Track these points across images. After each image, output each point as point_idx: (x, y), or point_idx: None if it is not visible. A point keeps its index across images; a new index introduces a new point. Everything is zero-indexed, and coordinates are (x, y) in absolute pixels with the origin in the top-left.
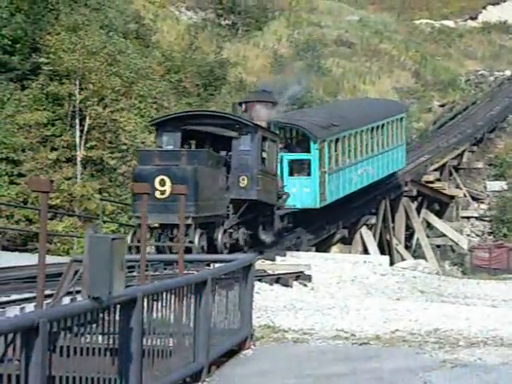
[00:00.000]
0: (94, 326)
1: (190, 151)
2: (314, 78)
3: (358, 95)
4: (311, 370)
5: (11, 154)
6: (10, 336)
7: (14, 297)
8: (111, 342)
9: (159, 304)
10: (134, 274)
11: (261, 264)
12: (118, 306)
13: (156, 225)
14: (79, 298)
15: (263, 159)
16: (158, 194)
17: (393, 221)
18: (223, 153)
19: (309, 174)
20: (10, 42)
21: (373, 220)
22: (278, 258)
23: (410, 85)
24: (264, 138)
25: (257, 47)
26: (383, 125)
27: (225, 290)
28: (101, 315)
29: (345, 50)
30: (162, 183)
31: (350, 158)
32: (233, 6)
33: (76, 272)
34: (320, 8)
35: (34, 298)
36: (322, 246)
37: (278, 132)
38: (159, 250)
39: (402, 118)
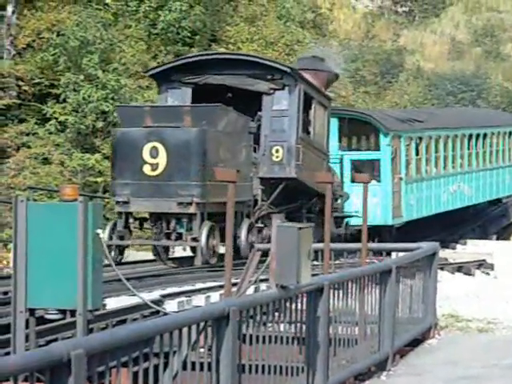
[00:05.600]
0: (281, 314)
1: (197, 107)
2: (493, 65)
3: None
4: (497, 359)
5: None
6: (202, 324)
7: (198, 285)
8: (298, 330)
9: (343, 293)
10: (315, 262)
11: (442, 252)
12: (305, 295)
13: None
14: (262, 286)
15: (307, 127)
16: (147, 170)
17: None
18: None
19: (378, 180)
20: (189, 34)
21: None
22: (459, 247)
23: None
24: (309, 97)
25: (434, 34)
26: (486, 134)
27: (408, 278)
28: (288, 304)
29: None
30: (154, 153)
31: (438, 167)
32: None
33: (260, 261)
34: None
35: (218, 286)
36: (504, 234)
37: (336, 122)
38: (157, 251)
39: None
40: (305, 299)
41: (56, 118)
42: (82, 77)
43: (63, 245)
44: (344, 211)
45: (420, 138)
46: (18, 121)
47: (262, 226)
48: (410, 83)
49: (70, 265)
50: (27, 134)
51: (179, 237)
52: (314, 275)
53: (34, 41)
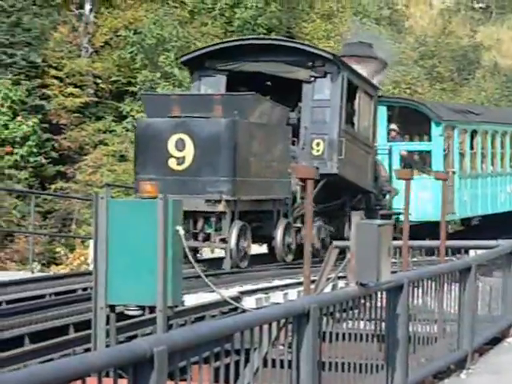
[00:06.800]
0: (360, 312)
1: (228, 96)
2: None
3: None
4: None
5: None
6: (282, 321)
7: (275, 282)
8: (377, 328)
9: (422, 290)
10: (392, 260)
11: None
12: (385, 293)
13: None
14: (340, 284)
15: (351, 118)
16: (173, 164)
17: None
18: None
19: (429, 173)
20: (265, 31)
21: None
22: None
23: None
24: (353, 86)
25: (511, 30)
26: None
27: (488, 276)
28: (367, 302)
29: None
30: (180, 146)
31: (495, 164)
32: None
33: (339, 258)
34: None
35: (295, 284)
36: None
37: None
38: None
39: None
40: (384, 296)
41: (133, 116)
42: (158, 74)
43: (143, 241)
44: (393, 208)
45: (475, 131)
46: (96, 118)
47: (301, 225)
48: (486, 80)
49: (150, 261)
50: (104, 132)
51: (207, 237)
52: (392, 272)
53: (111, 39)
